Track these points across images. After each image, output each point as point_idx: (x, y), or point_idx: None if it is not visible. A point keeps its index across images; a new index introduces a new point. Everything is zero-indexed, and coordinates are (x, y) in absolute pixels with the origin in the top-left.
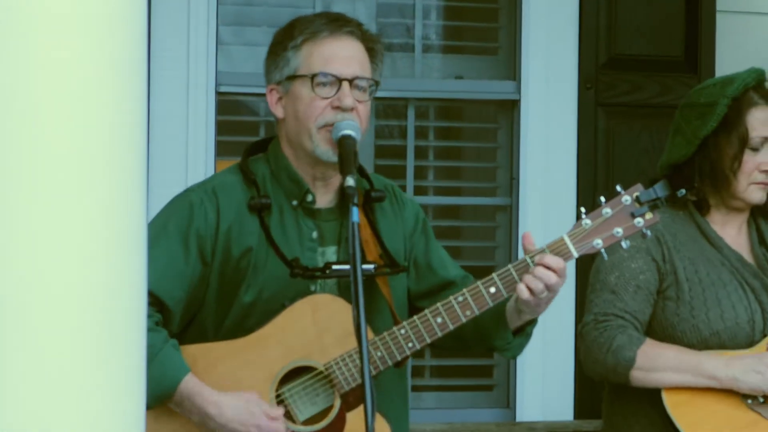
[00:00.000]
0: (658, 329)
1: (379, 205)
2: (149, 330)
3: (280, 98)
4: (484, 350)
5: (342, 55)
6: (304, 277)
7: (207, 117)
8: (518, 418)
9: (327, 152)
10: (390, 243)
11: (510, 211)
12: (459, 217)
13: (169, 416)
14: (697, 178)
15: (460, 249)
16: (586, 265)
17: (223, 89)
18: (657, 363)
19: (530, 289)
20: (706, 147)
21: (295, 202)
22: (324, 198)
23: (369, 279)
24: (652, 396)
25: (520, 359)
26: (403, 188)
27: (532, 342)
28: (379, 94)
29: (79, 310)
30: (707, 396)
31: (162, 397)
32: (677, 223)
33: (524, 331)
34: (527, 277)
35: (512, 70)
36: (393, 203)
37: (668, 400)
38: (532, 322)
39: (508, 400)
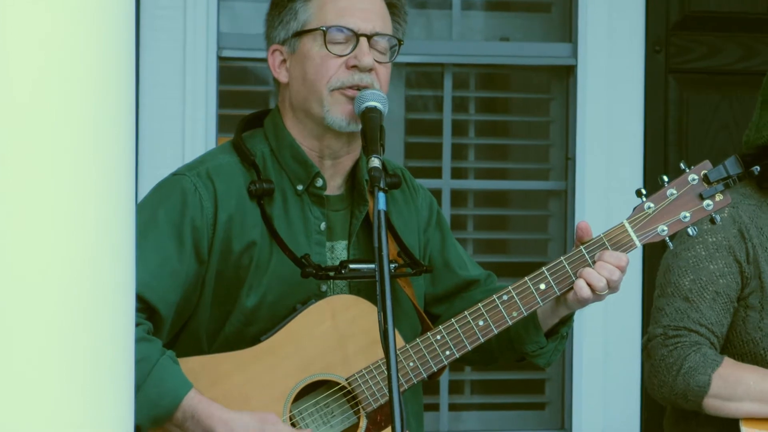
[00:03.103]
0: (737, 343)
1: (390, 194)
2: (140, 340)
3: (284, 60)
4: (512, 360)
5: (360, 7)
6: (316, 278)
7: (207, 86)
8: None
9: (340, 120)
10: (405, 238)
11: (565, 197)
12: (505, 205)
13: None
14: None
15: (506, 242)
16: (655, 254)
17: (225, 53)
18: (736, 391)
19: (591, 286)
20: None
21: (300, 187)
22: (332, 183)
23: (390, 280)
24: (723, 422)
25: (576, 372)
26: (439, 171)
27: (591, 352)
28: (412, 58)
29: (53, 319)
30: None
31: (160, 418)
32: (765, 213)
33: (558, 333)
34: (587, 272)
35: (567, 31)
36: (404, 191)
37: None
38: (567, 322)
39: (562, 421)
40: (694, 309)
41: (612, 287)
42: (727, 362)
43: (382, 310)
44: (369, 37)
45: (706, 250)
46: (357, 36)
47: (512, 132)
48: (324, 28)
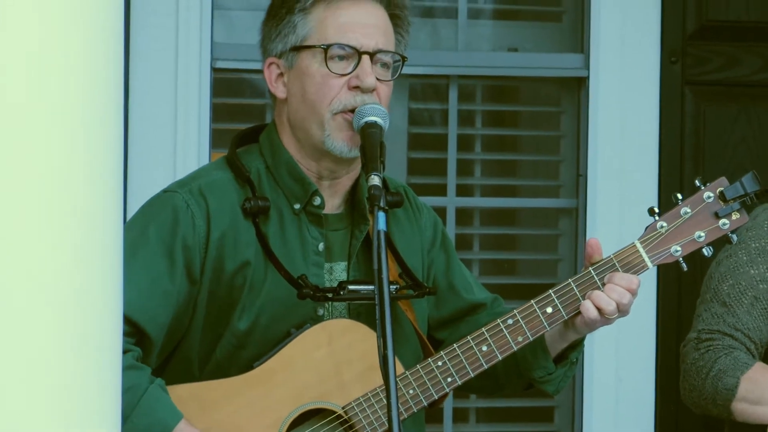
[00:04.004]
0: None
1: (392, 213)
2: (128, 368)
3: (281, 74)
4: (519, 387)
5: (362, 22)
6: (314, 299)
7: (200, 99)
8: None
9: (341, 146)
10: (408, 259)
11: (576, 216)
12: (513, 224)
13: None
14: None
15: (515, 263)
16: (670, 274)
17: (220, 64)
18: (765, 394)
19: (599, 309)
20: None
21: (297, 206)
22: (331, 202)
23: (391, 303)
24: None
25: (588, 398)
26: (443, 188)
27: (603, 377)
28: (415, 69)
29: (36, 343)
30: None
31: None
32: None
33: (567, 359)
34: (597, 295)
35: (579, 41)
36: (407, 209)
37: None
38: (577, 347)
39: None
40: (730, 313)
41: (622, 311)
42: (759, 366)
43: (382, 334)
44: (372, 55)
45: (747, 255)
46: (359, 54)
47: (520, 147)
48: (324, 46)
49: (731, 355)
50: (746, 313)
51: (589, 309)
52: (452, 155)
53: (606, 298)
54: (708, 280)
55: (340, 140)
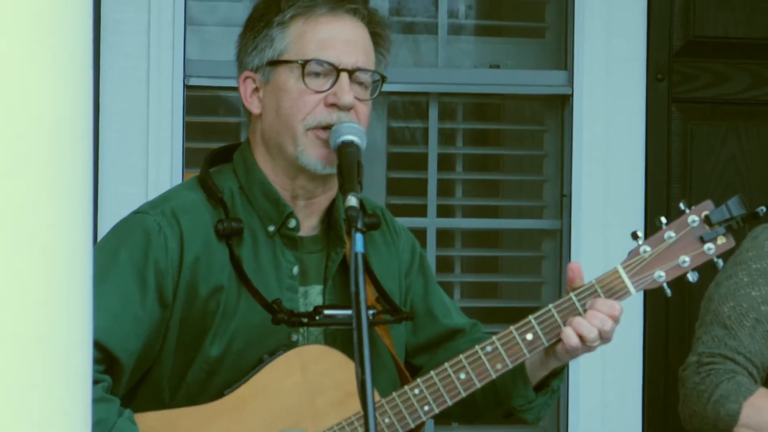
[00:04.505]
0: None
1: (369, 235)
2: (98, 400)
3: (256, 89)
4: (499, 415)
5: (343, 38)
6: (289, 325)
7: (173, 117)
8: None
9: (315, 163)
10: (385, 283)
11: (560, 238)
12: (495, 246)
13: None
14: None
15: (497, 285)
16: (657, 299)
17: (193, 81)
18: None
19: (580, 336)
20: None
21: (272, 228)
22: (306, 223)
23: (368, 328)
24: None
25: (573, 424)
26: (424, 209)
27: (588, 402)
28: (395, 87)
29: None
30: None
31: None
32: None
33: (548, 387)
34: (577, 321)
35: (562, 57)
36: (385, 232)
37: None
38: (559, 374)
39: None
40: (731, 336)
41: (604, 338)
42: (762, 391)
43: (360, 360)
44: (351, 72)
45: (749, 276)
46: (337, 71)
47: (503, 167)
48: (302, 61)
49: (733, 379)
50: (748, 336)
51: (570, 336)
52: (433, 175)
53: (587, 325)
54: (707, 302)
55: (314, 156)
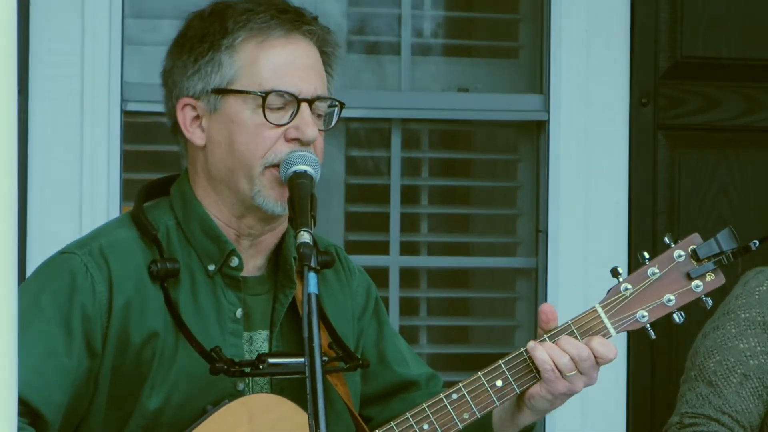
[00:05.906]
0: None
1: (322, 275)
2: None
3: (197, 117)
4: None
5: (299, 63)
6: (228, 375)
7: (109, 145)
8: None
9: (273, 204)
10: (339, 327)
11: (535, 277)
12: (465, 286)
13: None
14: None
15: (467, 330)
16: (641, 339)
17: (131, 107)
18: None
19: (553, 360)
20: None
21: (212, 267)
22: (251, 263)
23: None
24: None
25: None
26: (386, 246)
27: None
28: (354, 113)
29: None
30: None
31: None
32: None
33: None
34: (548, 346)
35: (538, 80)
36: (338, 271)
37: None
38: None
39: None
40: (717, 394)
41: (582, 370)
42: None
43: (313, 412)
44: (310, 103)
45: (737, 327)
46: (298, 101)
47: (473, 199)
48: (261, 93)
49: None
50: (734, 393)
51: (544, 361)
52: (396, 208)
53: (558, 350)
54: (693, 355)
55: (272, 198)
